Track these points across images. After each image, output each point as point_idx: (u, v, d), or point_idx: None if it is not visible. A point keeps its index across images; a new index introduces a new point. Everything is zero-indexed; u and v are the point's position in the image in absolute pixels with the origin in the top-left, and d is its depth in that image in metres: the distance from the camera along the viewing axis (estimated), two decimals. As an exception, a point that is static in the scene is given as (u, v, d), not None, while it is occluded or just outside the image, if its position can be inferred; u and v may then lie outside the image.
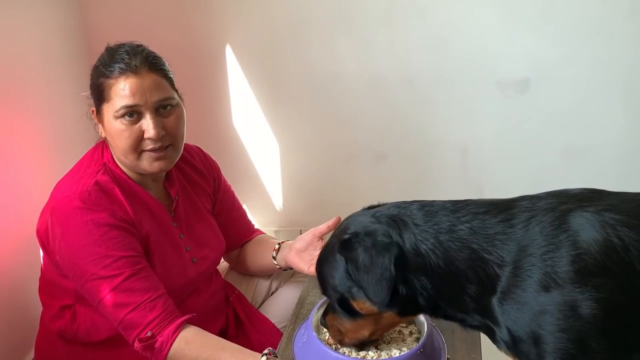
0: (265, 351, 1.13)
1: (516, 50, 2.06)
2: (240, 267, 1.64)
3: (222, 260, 1.64)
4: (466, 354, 1.19)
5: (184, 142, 1.32)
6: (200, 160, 1.53)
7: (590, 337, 0.86)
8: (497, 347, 1.01)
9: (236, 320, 1.55)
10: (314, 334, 1.17)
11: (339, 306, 1.07)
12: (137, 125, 1.21)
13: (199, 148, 1.56)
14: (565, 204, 0.93)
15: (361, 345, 1.13)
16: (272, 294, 1.67)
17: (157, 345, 1.13)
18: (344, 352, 1.13)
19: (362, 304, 1.02)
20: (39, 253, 1.35)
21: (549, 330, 0.88)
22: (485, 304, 0.95)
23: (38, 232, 1.27)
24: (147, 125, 1.21)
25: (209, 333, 1.19)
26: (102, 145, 1.32)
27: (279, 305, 1.63)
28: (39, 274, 1.41)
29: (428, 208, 1.01)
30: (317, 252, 1.33)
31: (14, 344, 1.66)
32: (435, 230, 0.97)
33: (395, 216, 1.02)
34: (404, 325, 1.24)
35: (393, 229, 0.99)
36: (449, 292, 0.98)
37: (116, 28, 2.05)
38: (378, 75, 2.14)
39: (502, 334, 0.95)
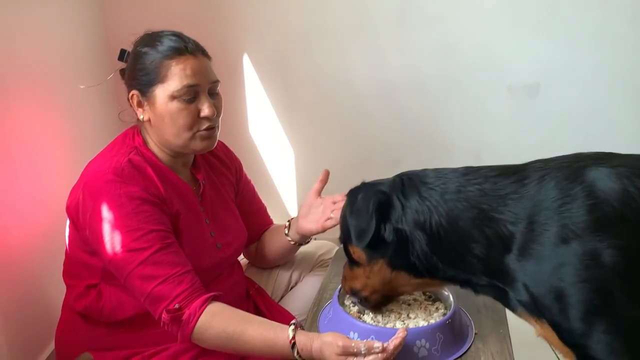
0: (293, 321, 1.13)
1: (525, 55, 2.13)
2: (259, 259, 1.65)
3: (242, 256, 1.65)
4: (494, 330, 1.19)
5: None
6: (223, 152, 1.57)
7: (613, 285, 0.85)
8: (513, 311, 1.01)
9: (257, 313, 1.55)
10: (340, 307, 1.17)
11: (345, 253, 1.15)
12: (193, 105, 1.25)
13: (222, 142, 1.60)
14: (579, 162, 0.95)
15: (362, 304, 1.16)
16: (291, 288, 1.67)
17: (184, 317, 1.14)
18: (372, 323, 1.14)
19: (355, 249, 1.08)
20: (64, 239, 1.37)
21: (570, 282, 0.87)
22: (498, 264, 0.95)
23: (68, 208, 1.29)
24: (204, 104, 1.25)
25: (235, 308, 1.20)
26: (133, 131, 1.36)
27: (299, 299, 1.63)
28: (61, 267, 1.42)
29: (440, 170, 1.05)
30: (320, 209, 1.41)
31: (35, 337, 1.66)
32: (442, 189, 1.00)
33: (406, 174, 1.07)
34: (430, 302, 1.25)
35: (397, 184, 1.05)
36: (450, 251, 0.99)
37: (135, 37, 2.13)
38: (390, 81, 2.20)
39: (518, 294, 0.95)
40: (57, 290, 1.43)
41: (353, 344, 1.02)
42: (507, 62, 2.14)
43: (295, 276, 1.66)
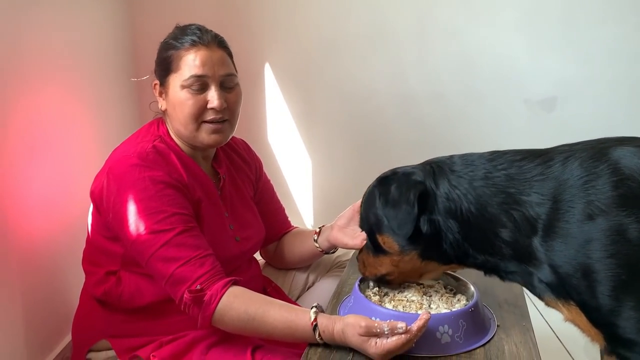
0: (315, 304, 1.13)
1: (542, 70, 2.15)
2: (277, 260, 1.65)
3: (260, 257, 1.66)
4: (516, 323, 1.18)
5: (237, 122, 1.39)
6: (244, 150, 1.59)
7: (640, 260, 0.85)
8: (540, 297, 1.00)
9: (274, 310, 1.54)
10: (362, 294, 1.17)
11: (369, 240, 1.14)
12: (202, 96, 1.28)
13: (244, 141, 1.63)
14: (603, 143, 0.96)
15: (381, 283, 1.18)
16: (308, 289, 1.66)
17: (206, 298, 1.14)
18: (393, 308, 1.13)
19: (386, 239, 1.08)
20: (84, 230, 1.39)
21: (597, 258, 0.87)
22: (525, 247, 0.95)
23: (92, 193, 1.31)
24: (212, 96, 1.27)
25: (255, 292, 1.20)
26: (158, 122, 1.39)
27: (316, 299, 1.61)
28: (80, 258, 1.43)
29: (467, 157, 1.06)
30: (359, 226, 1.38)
31: (52, 327, 1.66)
32: (470, 176, 1.01)
33: (435, 163, 1.07)
34: (452, 295, 1.24)
35: (428, 172, 1.05)
36: (479, 237, 0.99)
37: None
38: (409, 92, 2.23)
39: (545, 276, 0.94)
40: (76, 281, 1.44)
41: (376, 324, 1.01)
42: (524, 76, 2.17)
43: (312, 277, 1.66)
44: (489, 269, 1.04)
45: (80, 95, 1.87)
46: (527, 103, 2.19)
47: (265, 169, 1.64)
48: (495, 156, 1.03)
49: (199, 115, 1.28)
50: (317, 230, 1.52)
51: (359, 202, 1.45)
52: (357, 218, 1.44)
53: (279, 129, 2.32)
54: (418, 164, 1.11)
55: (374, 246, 1.14)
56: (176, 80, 1.28)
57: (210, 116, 1.29)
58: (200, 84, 1.26)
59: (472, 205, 0.98)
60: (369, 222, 1.12)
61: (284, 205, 2.06)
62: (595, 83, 2.14)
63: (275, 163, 2.34)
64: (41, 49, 1.64)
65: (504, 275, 1.04)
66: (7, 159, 1.45)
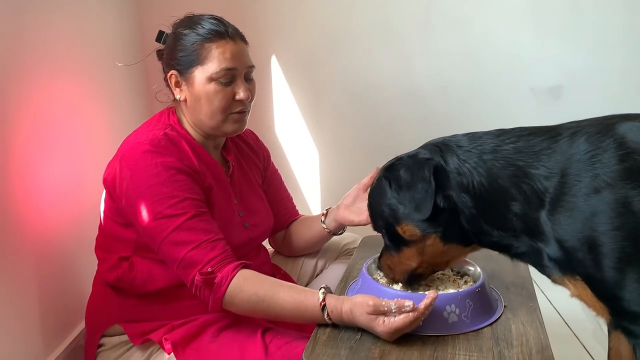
0: (323, 285, 1.14)
1: (548, 58, 2.15)
2: (286, 247, 1.67)
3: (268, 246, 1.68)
4: (523, 304, 1.19)
5: None
6: (252, 139, 1.62)
7: (646, 233, 0.85)
8: (548, 275, 1.01)
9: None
10: (369, 276, 1.19)
11: (387, 236, 1.12)
12: (230, 88, 1.30)
13: (252, 131, 1.65)
14: (610, 119, 0.96)
15: (412, 282, 1.15)
16: (317, 275, 1.68)
17: (216, 280, 1.16)
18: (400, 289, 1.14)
19: (406, 227, 1.06)
20: (97, 218, 1.41)
21: (602, 231, 0.87)
22: (534, 220, 0.96)
23: (105, 180, 1.33)
24: (240, 88, 1.30)
25: (265, 275, 1.21)
26: (168, 111, 1.41)
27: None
28: (93, 245, 1.46)
29: (473, 134, 1.06)
30: (365, 204, 1.39)
31: (66, 315, 1.69)
32: (479, 150, 1.01)
33: (440, 142, 1.07)
34: (459, 277, 1.25)
35: (434, 151, 1.05)
36: (492, 210, 0.99)
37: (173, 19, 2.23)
38: (415, 84, 2.24)
39: (552, 251, 0.95)
40: (89, 270, 1.47)
41: (384, 303, 1.03)
42: (530, 64, 2.17)
43: (320, 264, 1.68)
44: (503, 247, 1.04)
45: (90, 88, 1.90)
46: (534, 92, 2.19)
47: (273, 161, 1.66)
48: (502, 132, 1.04)
49: (227, 108, 1.31)
50: (324, 212, 1.55)
51: (364, 180, 1.49)
52: (362, 196, 1.47)
53: (286, 122, 2.34)
54: (419, 147, 1.10)
55: (393, 241, 1.11)
56: (203, 73, 1.28)
57: (237, 108, 1.32)
58: (230, 77, 1.29)
59: (484, 178, 0.98)
60: (384, 217, 1.09)
61: (292, 197, 2.08)
62: (604, 71, 2.13)
63: (282, 155, 2.36)
64: (50, 42, 1.66)
65: (515, 255, 1.03)
66: (20, 151, 1.48)
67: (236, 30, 1.35)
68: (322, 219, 1.53)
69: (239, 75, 1.31)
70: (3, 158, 1.41)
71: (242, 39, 1.36)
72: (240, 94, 1.30)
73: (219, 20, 1.34)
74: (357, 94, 2.28)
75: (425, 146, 1.09)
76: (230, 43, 1.30)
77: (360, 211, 1.42)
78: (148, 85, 2.15)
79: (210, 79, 1.28)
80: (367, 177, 1.47)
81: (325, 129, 2.34)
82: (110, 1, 2.10)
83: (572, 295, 0.98)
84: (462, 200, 1.00)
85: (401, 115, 2.28)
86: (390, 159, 1.13)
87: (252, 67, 1.35)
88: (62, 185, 1.69)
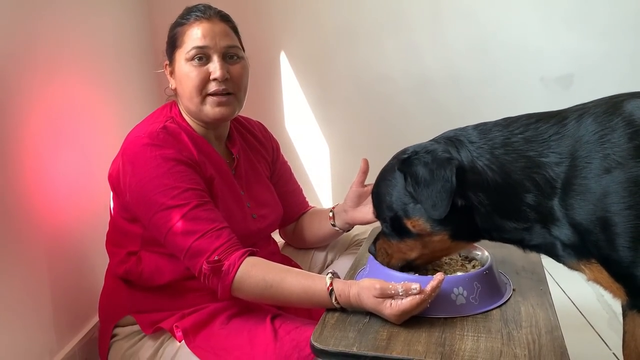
0: (330, 270, 1.15)
1: (558, 46, 2.14)
2: (297, 240, 1.67)
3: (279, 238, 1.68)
4: (533, 288, 1.18)
5: (245, 96, 1.40)
6: (260, 131, 1.62)
7: (659, 210, 0.84)
8: (563, 263, 1.00)
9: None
10: (377, 261, 1.18)
11: (391, 226, 1.10)
12: (205, 67, 1.30)
13: (261, 123, 1.65)
14: (616, 98, 0.95)
15: (406, 269, 1.14)
16: (327, 266, 1.68)
17: (224, 268, 1.16)
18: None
19: (416, 222, 1.05)
20: (107, 212, 1.43)
21: (615, 211, 0.86)
22: (548, 209, 0.95)
23: (110, 177, 1.35)
24: (214, 67, 1.29)
25: (272, 262, 1.22)
26: (171, 104, 1.42)
27: (335, 275, 1.63)
28: (105, 239, 1.48)
29: (482, 127, 1.05)
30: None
31: (80, 308, 1.72)
32: (490, 145, 1.00)
33: (452, 137, 1.05)
34: (467, 261, 1.24)
35: (451, 147, 1.03)
36: (507, 205, 0.98)
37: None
38: (424, 75, 2.23)
39: (566, 237, 0.94)
40: (102, 263, 1.49)
41: (390, 286, 1.02)
42: (540, 53, 2.15)
43: (330, 256, 1.68)
44: (516, 240, 1.03)
45: (100, 84, 1.93)
46: (544, 81, 2.17)
47: (284, 154, 1.66)
48: (510, 122, 1.02)
49: (202, 87, 1.30)
50: (331, 214, 1.53)
51: (359, 178, 1.47)
52: (366, 192, 1.45)
53: (296, 115, 2.35)
54: (431, 141, 1.08)
55: (397, 231, 1.10)
56: (181, 55, 1.31)
57: (213, 88, 1.30)
58: (202, 56, 1.29)
59: (497, 174, 0.97)
60: (393, 208, 1.08)
61: (303, 192, 2.10)
62: (613, 58, 2.11)
63: (293, 149, 2.36)
64: (61, 39, 1.69)
65: (528, 247, 1.02)
66: (33, 148, 1.50)
67: (218, 12, 1.34)
68: (332, 223, 1.52)
69: (214, 54, 1.30)
70: (17, 155, 1.43)
71: (224, 19, 1.34)
72: (215, 73, 1.28)
73: (205, 5, 1.34)
74: (367, 86, 2.28)
75: (438, 140, 1.07)
76: (205, 22, 1.30)
77: (370, 209, 1.39)
78: (159, 82, 2.18)
79: (186, 60, 1.30)
80: (359, 174, 1.47)
81: (336, 122, 2.34)
82: (122, 0, 2.13)
83: (589, 279, 0.96)
84: (478, 199, 0.99)
85: (412, 107, 2.27)
86: (400, 149, 1.12)
87: (232, 46, 1.33)
88: (75, 181, 1.72)
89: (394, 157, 1.13)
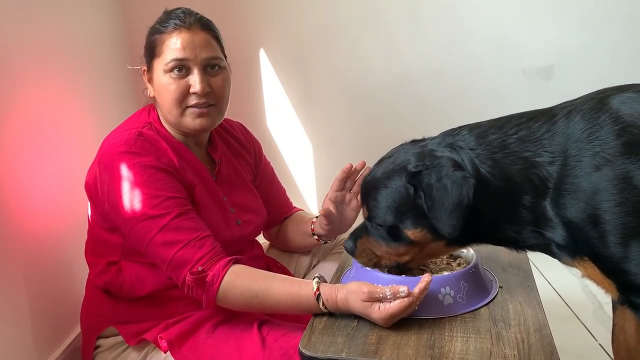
0: (317, 274, 1.13)
1: (538, 38, 2.14)
2: (281, 243, 1.65)
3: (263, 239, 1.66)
4: (520, 284, 1.18)
5: (227, 106, 1.36)
6: (242, 133, 1.58)
7: (648, 206, 0.84)
8: (558, 259, 1.00)
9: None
10: (361, 264, 1.17)
11: (387, 232, 1.07)
12: (184, 80, 1.25)
13: (241, 124, 1.62)
14: (602, 93, 0.95)
15: (398, 269, 1.12)
16: (314, 267, 1.66)
17: (208, 279, 1.13)
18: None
19: (418, 233, 1.02)
20: (87, 219, 1.40)
21: (605, 208, 0.87)
22: (541, 210, 0.95)
23: (87, 185, 1.31)
24: (194, 80, 1.24)
25: (257, 269, 1.19)
26: (149, 108, 1.38)
27: (321, 276, 1.62)
28: (83, 251, 1.44)
29: (477, 130, 1.02)
30: (353, 203, 1.38)
31: (60, 320, 1.68)
32: (489, 150, 0.98)
33: (453, 144, 1.02)
34: (452, 259, 1.24)
35: (455, 156, 1.00)
36: (507, 209, 0.98)
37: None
38: (405, 71, 2.22)
39: (559, 237, 0.94)
40: (82, 273, 1.45)
41: (378, 289, 1.01)
42: (520, 46, 2.15)
43: (316, 258, 1.66)
44: (511, 242, 1.02)
45: (76, 88, 1.88)
46: (525, 73, 2.17)
47: (266, 154, 1.63)
48: (503, 122, 1.01)
49: (181, 101, 1.26)
50: (312, 227, 1.47)
51: (330, 194, 1.37)
52: (344, 198, 1.38)
53: (278, 114, 2.32)
54: (431, 147, 1.04)
55: (391, 236, 1.06)
56: (159, 65, 1.26)
57: (193, 101, 1.26)
58: (182, 68, 1.24)
59: (499, 179, 0.96)
60: (395, 219, 1.03)
61: (287, 191, 2.08)
62: (593, 49, 2.12)
63: (275, 148, 2.34)
64: (35, 43, 1.64)
65: (524, 247, 1.02)
66: (8, 155, 1.46)
67: (199, 20, 1.28)
68: (316, 237, 1.47)
69: (195, 66, 1.25)
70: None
71: (206, 28, 1.28)
72: (195, 87, 1.24)
73: (185, 12, 1.29)
74: (348, 83, 2.26)
75: (436, 146, 1.03)
76: (184, 33, 1.24)
77: (348, 220, 1.40)
78: (136, 86, 2.14)
79: (165, 71, 1.25)
80: (331, 189, 1.38)
81: (318, 120, 2.32)
82: (96, 2, 2.08)
83: (583, 276, 0.97)
84: (481, 206, 0.98)
85: (394, 102, 2.26)
86: (388, 148, 1.09)
87: (213, 58, 1.27)
88: (54, 188, 1.67)
89: (394, 165, 1.06)
